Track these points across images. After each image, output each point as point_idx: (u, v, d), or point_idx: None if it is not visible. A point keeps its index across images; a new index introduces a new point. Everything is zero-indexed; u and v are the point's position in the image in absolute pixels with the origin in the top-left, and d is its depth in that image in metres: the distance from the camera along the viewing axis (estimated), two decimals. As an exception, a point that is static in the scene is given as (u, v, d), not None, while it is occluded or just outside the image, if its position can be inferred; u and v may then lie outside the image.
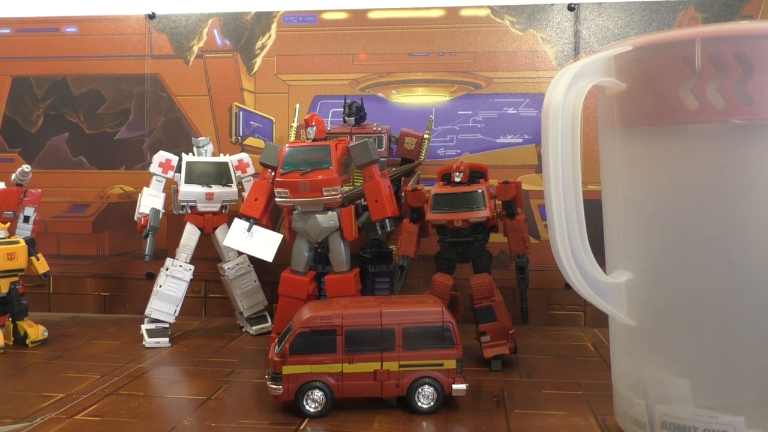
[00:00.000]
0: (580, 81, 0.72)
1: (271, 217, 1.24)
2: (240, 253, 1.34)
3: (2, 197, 1.25)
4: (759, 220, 0.66)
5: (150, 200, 1.29)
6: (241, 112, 1.51)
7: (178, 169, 1.31)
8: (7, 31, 1.59)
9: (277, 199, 1.11)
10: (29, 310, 1.25)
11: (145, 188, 1.31)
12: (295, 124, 1.34)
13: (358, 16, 1.48)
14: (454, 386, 0.87)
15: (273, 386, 0.86)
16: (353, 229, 1.12)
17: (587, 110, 1.36)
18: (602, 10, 1.42)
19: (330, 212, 1.11)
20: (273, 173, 1.16)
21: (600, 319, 1.39)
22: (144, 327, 1.25)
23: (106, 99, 1.55)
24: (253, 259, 1.31)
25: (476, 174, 1.12)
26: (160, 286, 1.27)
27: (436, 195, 1.09)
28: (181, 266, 1.28)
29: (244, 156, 1.36)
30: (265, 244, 1.17)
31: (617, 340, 0.79)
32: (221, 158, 1.34)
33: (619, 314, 0.74)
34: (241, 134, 1.51)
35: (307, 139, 1.15)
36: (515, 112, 1.44)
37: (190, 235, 1.30)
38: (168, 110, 1.53)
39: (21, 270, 1.23)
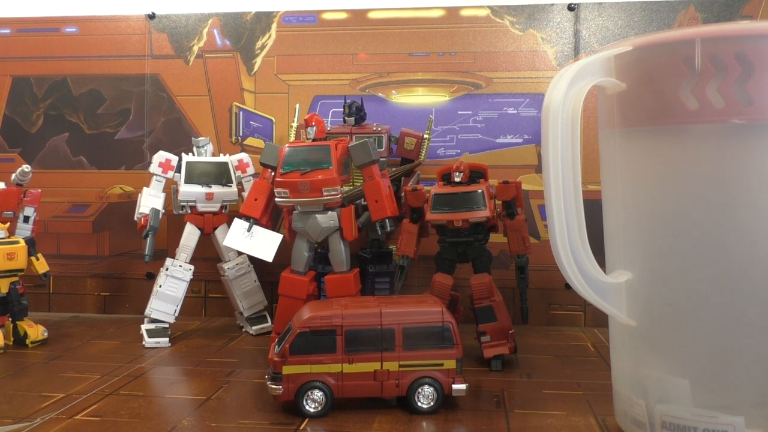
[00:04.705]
0: (580, 81, 0.72)
1: (271, 217, 1.24)
2: (240, 253, 1.34)
3: (2, 197, 1.25)
4: (759, 220, 0.66)
5: (150, 200, 1.29)
6: (241, 112, 1.51)
7: (178, 169, 1.31)
8: (7, 31, 1.59)
9: (277, 199, 1.11)
10: (29, 310, 1.25)
11: (145, 188, 1.31)
12: (295, 124, 1.34)
13: (358, 16, 1.48)
14: (454, 386, 0.87)
15: (273, 386, 0.86)
16: (353, 229, 1.12)
17: (587, 110, 1.36)
18: (602, 10, 1.42)
19: (330, 212, 1.11)
20: (273, 173, 1.16)
21: (600, 319, 1.39)
22: (144, 327, 1.25)
23: (106, 99, 1.55)
24: (253, 259, 1.31)
25: (476, 174, 1.12)
26: (160, 286, 1.27)
27: (436, 195, 1.09)
28: (181, 266, 1.28)
29: (244, 156, 1.36)
30: (265, 244, 1.17)
31: (617, 340, 0.79)
32: (221, 158, 1.34)
33: (619, 314, 0.74)
34: (241, 134, 1.51)
35: (307, 139, 1.15)
36: (515, 112, 1.44)
37: (190, 235, 1.30)
38: (168, 110, 1.53)
39: (21, 270, 1.23)
